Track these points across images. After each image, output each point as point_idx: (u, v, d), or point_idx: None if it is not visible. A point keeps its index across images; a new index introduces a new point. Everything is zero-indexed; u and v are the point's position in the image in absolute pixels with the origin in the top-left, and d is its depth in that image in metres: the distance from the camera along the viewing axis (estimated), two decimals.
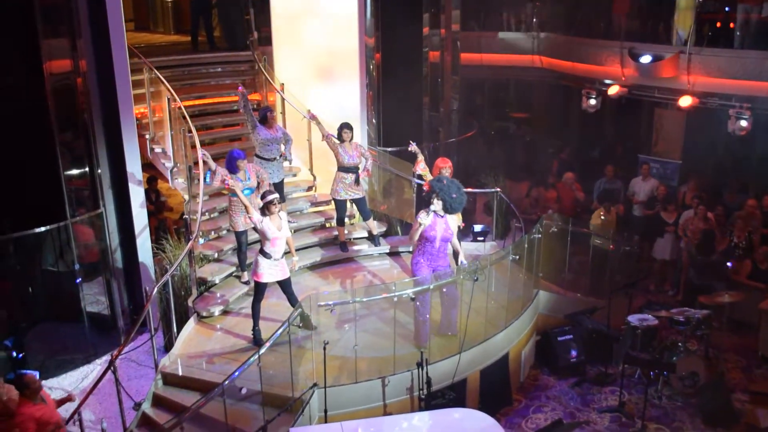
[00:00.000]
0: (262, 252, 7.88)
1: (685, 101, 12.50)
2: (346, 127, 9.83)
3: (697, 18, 12.68)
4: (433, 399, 7.63)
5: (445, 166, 9.05)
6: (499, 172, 13.53)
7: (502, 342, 8.63)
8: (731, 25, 12.81)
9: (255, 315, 8.17)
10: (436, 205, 7.79)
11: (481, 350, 8.28)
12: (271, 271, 7.95)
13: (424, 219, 7.80)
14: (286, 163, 10.19)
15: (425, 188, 7.91)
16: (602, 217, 11.64)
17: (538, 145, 16.42)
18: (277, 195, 7.91)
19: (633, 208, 12.40)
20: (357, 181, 9.90)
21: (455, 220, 8.19)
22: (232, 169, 8.68)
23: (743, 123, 11.74)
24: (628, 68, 13.34)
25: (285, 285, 8.21)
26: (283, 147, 9.88)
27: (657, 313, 9.57)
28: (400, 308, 7.96)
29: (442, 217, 7.87)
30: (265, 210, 7.77)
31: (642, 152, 14.06)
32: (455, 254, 9.32)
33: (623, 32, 13.63)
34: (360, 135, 10.86)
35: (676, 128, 14.47)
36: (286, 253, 8.11)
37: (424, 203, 9.91)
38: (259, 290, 8.10)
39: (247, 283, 9.28)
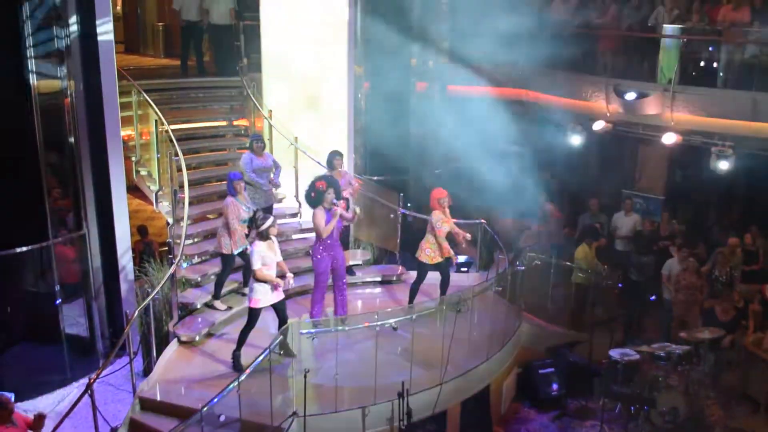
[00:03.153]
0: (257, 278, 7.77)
1: (669, 138, 12.63)
2: (337, 154, 9.87)
3: (681, 57, 12.86)
4: (413, 430, 7.57)
5: (444, 197, 9.14)
6: (483, 203, 13.53)
7: (484, 374, 8.61)
8: (715, 64, 13.00)
9: (241, 340, 8.01)
10: (332, 194, 8.43)
11: (462, 381, 8.26)
12: (268, 296, 7.80)
13: (341, 212, 8.49)
14: (274, 189, 10.20)
15: (321, 187, 8.42)
16: (587, 251, 11.68)
17: (523, 178, 16.47)
18: (273, 218, 7.84)
19: (615, 242, 12.46)
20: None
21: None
22: (232, 191, 8.79)
23: (725, 162, 11.86)
24: (613, 104, 13.50)
25: (280, 308, 8.03)
26: (272, 174, 9.92)
27: (638, 347, 9.58)
28: (382, 338, 7.93)
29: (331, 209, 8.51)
30: (265, 235, 7.72)
31: (625, 187, 14.17)
32: (443, 284, 9.34)
33: (609, 69, 13.79)
34: (347, 163, 10.90)
35: (659, 164, 14.61)
36: (281, 276, 8.00)
37: (410, 232, 9.93)
38: (253, 317, 7.91)
39: (230, 308, 9.21)
